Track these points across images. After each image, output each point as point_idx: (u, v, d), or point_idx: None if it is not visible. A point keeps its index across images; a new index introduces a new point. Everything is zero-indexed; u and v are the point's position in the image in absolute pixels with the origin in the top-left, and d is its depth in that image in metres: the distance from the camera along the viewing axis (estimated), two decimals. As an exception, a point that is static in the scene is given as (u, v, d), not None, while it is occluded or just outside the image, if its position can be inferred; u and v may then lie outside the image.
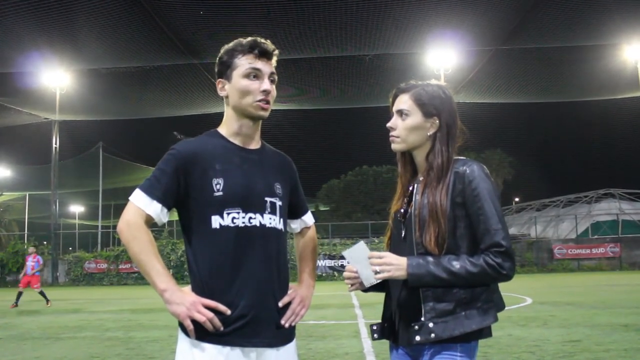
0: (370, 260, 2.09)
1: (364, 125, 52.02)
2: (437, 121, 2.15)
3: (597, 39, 28.65)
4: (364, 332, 9.01)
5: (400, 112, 2.18)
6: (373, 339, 2.24)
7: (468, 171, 2.06)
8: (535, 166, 57.74)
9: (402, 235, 2.16)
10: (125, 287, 31.36)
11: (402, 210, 2.19)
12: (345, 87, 35.69)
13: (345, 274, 2.15)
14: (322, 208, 58.73)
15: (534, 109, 43.45)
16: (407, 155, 2.26)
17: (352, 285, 2.17)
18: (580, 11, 24.90)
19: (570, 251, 35.06)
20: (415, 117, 2.15)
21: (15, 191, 51.99)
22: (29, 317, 13.72)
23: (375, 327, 2.23)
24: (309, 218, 2.48)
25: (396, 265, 2.03)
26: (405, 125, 2.16)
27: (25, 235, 43.64)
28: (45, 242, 40.64)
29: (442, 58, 31.77)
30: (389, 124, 2.21)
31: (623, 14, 25.54)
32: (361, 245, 2.14)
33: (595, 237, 37.48)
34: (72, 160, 43.78)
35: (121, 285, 32.71)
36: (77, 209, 64.72)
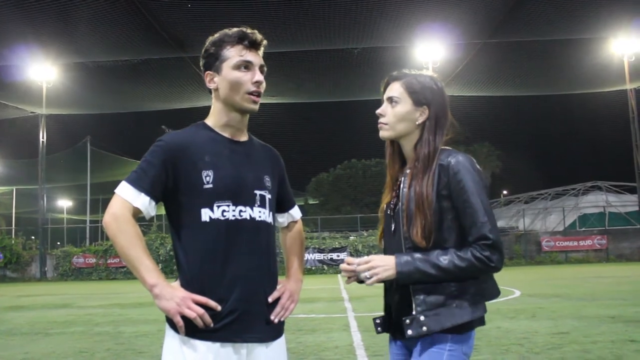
0: (357, 268, 2.05)
1: (353, 118, 52.09)
2: (427, 110, 2.14)
3: (584, 33, 28.80)
4: (354, 326, 9.02)
5: (391, 100, 2.17)
6: (377, 332, 2.22)
7: (452, 163, 2.03)
8: (523, 159, 57.99)
9: (392, 229, 2.15)
10: (114, 281, 31.26)
11: (391, 204, 2.18)
12: (333, 80, 35.64)
13: (342, 266, 2.10)
14: (311, 202, 58.76)
15: (521, 102, 43.58)
16: (396, 146, 2.24)
17: (349, 277, 2.11)
18: (567, 5, 25.02)
19: (558, 243, 35.27)
20: (405, 105, 2.15)
21: (2, 186, 51.63)
22: (17, 312, 13.63)
23: (378, 321, 2.21)
24: (296, 212, 2.45)
25: (383, 266, 2.02)
26: (395, 112, 2.15)
27: (13, 230, 43.36)
28: (33, 237, 40.41)
29: (430, 51, 31.79)
30: (378, 111, 2.20)
31: (609, 8, 25.67)
32: None
33: (583, 229, 37.71)
34: (59, 154, 43.51)
35: (110, 280, 32.60)
36: (65, 203, 64.35)
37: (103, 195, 49.00)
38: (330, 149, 59.93)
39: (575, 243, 35.23)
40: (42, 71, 32.49)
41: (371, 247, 32.37)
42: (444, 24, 27.18)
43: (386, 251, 2.18)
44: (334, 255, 33.18)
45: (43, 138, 37.38)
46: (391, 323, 2.18)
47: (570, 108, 44.65)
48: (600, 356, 6.08)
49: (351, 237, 34.97)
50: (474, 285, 2.02)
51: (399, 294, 2.09)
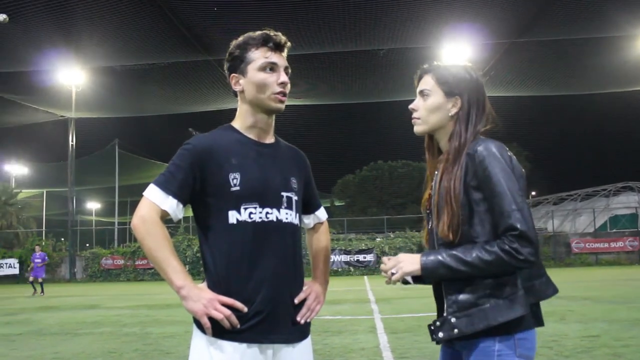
0: (386, 266, 2.02)
1: (379, 120, 51.94)
2: (459, 101, 2.07)
3: (614, 31, 28.32)
4: (380, 327, 8.98)
5: (422, 93, 2.11)
6: (432, 339, 2.04)
7: (479, 150, 1.93)
8: (552, 160, 57.33)
9: (430, 226, 2.09)
10: (141, 283, 31.56)
11: (429, 201, 2.12)
12: (359, 81, 35.58)
13: (383, 266, 2.04)
14: (337, 203, 58.73)
15: (549, 102, 43.07)
16: (434, 140, 2.17)
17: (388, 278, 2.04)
18: (597, 2, 24.63)
19: (588, 245, 34.71)
20: (437, 97, 2.08)
21: (33, 188, 52.54)
22: (47, 312, 13.84)
23: (432, 327, 2.05)
24: (322, 213, 2.45)
25: (408, 260, 1.96)
26: (426, 105, 2.09)
27: (43, 232, 44.05)
28: (63, 239, 41.01)
29: (457, 52, 31.51)
30: (410, 106, 2.14)
31: (641, 5, 25.23)
32: None
33: (614, 230, 37.11)
34: (88, 157, 44.13)
35: (138, 281, 32.92)
36: (93, 205, 65.32)
37: (131, 198, 49.61)
38: (357, 150, 59.93)
39: (606, 245, 34.63)
40: (72, 75, 32.94)
41: (398, 249, 32.20)
42: (471, 24, 26.93)
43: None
44: (360, 257, 33.12)
45: (72, 141, 37.89)
46: None
47: (599, 107, 43.97)
48: (632, 360, 5.97)
49: (377, 239, 34.85)
50: (511, 284, 1.89)
51: (436, 295, 2.04)
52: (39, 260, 23.60)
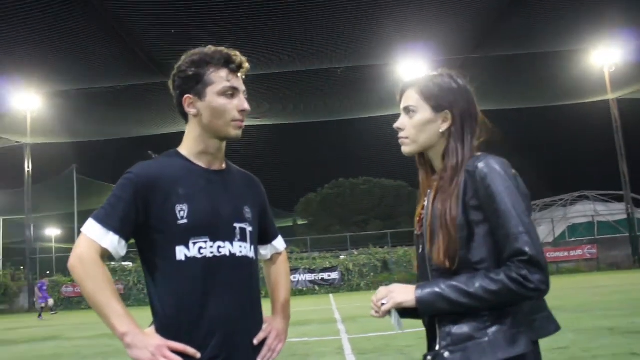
0: (375, 296, 1.80)
1: (339, 137, 52.12)
2: (450, 115, 1.86)
3: (564, 45, 29.07)
4: (348, 348, 8.85)
5: (407, 110, 1.89)
6: None
7: (479, 167, 1.74)
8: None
9: (420, 250, 1.87)
10: (103, 310, 30.82)
11: (419, 223, 1.90)
12: (318, 100, 35.64)
13: (373, 297, 1.80)
14: (300, 222, 58.61)
15: (505, 115, 43.77)
16: (426, 157, 1.95)
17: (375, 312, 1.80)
18: (548, 18, 25.23)
19: (549, 254, 35.17)
20: (424, 113, 1.86)
21: (-11, 216, 51.12)
22: (3, 346, 13.35)
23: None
24: (279, 243, 2.27)
25: (400, 291, 1.74)
26: (414, 123, 1.87)
27: (0, 261, 42.79)
28: (22, 267, 39.93)
29: (413, 68, 31.80)
30: (396, 125, 1.92)
31: (589, 21, 25.90)
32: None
33: (572, 239, 37.79)
34: (46, 183, 43.21)
35: (99, 309, 32.13)
36: (53, 232, 63.81)
37: (91, 223, 48.60)
38: (318, 168, 59.97)
39: (566, 253, 35.24)
40: (26, 100, 32.20)
41: (362, 266, 32.29)
42: (426, 41, 27.31)
43: (418, 278, 1.90)
44: (325, 275, 33.00)
45: (29, 167, 37.01)
46: None
47: (554, 119, 44.93)
48: (600, 372, 5.95)
49: (342, 257, 34.78)
50: (512, 316, 1.69)
51: (428, 325, 1.83)
52: (45, 288, 27.96)
